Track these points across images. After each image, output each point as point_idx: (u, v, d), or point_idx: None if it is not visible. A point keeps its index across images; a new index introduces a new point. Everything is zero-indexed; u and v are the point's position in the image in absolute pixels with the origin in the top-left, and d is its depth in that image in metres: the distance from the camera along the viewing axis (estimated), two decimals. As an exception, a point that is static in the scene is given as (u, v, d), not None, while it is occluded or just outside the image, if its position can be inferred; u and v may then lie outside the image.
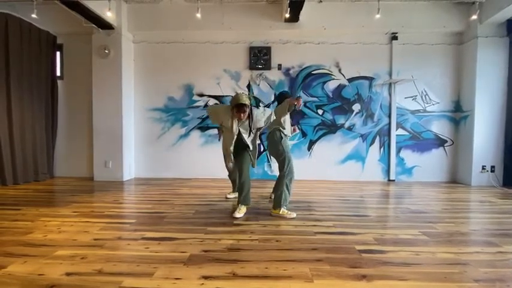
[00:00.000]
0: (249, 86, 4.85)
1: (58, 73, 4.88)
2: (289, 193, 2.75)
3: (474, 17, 3.95)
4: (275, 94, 4.83)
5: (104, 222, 2.45)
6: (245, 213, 2.72)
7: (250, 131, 2.68)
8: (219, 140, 3.17)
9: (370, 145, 4.84)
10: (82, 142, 4.86)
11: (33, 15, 3.65)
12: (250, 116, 2.67)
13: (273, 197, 2.89)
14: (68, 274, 1.55)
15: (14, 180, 4.10)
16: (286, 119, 2.87)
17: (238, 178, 2.90)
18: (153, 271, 1.59)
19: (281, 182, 2.73)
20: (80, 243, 1.98)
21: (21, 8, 4.07)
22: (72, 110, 4.90)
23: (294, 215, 2.65)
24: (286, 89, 4.80)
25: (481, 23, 4.27)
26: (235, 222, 2.49)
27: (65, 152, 4.93)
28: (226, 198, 3.42)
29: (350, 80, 4.81)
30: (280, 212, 2.66)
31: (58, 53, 4.86)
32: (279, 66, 4.81)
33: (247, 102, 2.57)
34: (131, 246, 1.96)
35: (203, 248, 1.91)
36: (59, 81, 4.87)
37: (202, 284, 1.47)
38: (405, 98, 4.80)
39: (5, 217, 2.56)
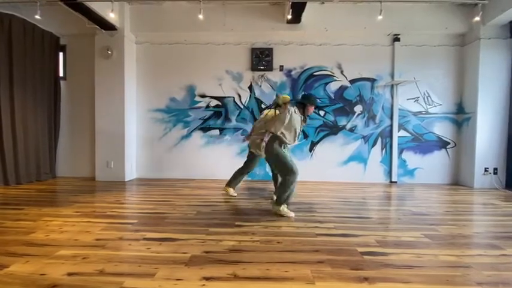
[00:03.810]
0: (250, 87, 4.86)
1: (61, 73, 4.91)
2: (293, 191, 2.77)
3: (477, 18, 3.94)
4: (277, 95, 4.83)
5: (105, 223, 2.45)
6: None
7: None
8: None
9: (372, 147, 4.83)
10: (84, 142, 4.88)
11: (37, 16, 3.68)
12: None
13: (274, 199, 2.87)
14: (69, 274, 1.55)
15: (17, 180, 4.12)
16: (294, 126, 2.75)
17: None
18: (155, 272, 1.59)
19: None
20: (81, 243, 1.99)
21: (25, 9, 4.10)
22: (74, 110, 4.92)
23: (292, 214, 2.68)
24: (287, 90, 4.81)
25: (483, 24, 4.26)
26: (236, 223, 2.49)
27: (67, 152, 4.95)
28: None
29: (352, 82, 4.80)
30: (281, 209, 2.70)
31: (61, 54, 4.88)
32: (281, 68, 4.81)
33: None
34: (133, 246, 1.96)
35: (204, 249, 1.91)
36: (61, 82, 4.90)
37: (203, 285, 1.47)
38: (407, 99, 4.78)
39: (7, 217, 2.57)
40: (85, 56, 4.74)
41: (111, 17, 3.94)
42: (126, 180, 4.63)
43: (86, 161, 4.88)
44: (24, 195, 3.50)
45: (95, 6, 3.82)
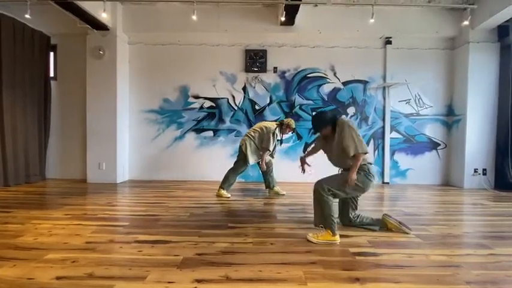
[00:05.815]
0: (244, 89, 4.86)
1: (52, 74, 4.83)
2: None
3: (466, 22, 4.02)
4: (270, 97, 4.85)
5: (96, 225, 2.41)
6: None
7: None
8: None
9: (365, 148, 4.87)
10: (75, 144, 4.81)
11: (27, 16, 3.62)
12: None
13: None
14: (58, 278, 1.52)
15: (5, 182, 4.03)
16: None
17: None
18: (146, 275, 1.57)
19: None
20: (71, 247, 1.95)
21: (15, 8, 4.03)
22: (65, 111, 4.85)
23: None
24: (281, 91, 4.83)
25: (472, 28, 4.35)
26: (229, 225, 2.48)
27: (58, 154, 4.87)
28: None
29: (345, 84, 4.85)
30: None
31: (52, 54, 4.81)
32: (275, 69, 4.83)
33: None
34: (124, 249, 1.94)
35: (197, 251, 1.89)
36: (52, 82, 4.82)
37: (195, 287, 1.45)
38: (399, 101, 4.85)
39: (-6, 220, 2.51)
40: (76, 56, 4.68)
41: (103, 16, 3.90)
42: (118, 182, 4.57)
43: (76, 162, 4.81)
44: (13, 198, 3.43)
45: (86, 6, 3.77)
